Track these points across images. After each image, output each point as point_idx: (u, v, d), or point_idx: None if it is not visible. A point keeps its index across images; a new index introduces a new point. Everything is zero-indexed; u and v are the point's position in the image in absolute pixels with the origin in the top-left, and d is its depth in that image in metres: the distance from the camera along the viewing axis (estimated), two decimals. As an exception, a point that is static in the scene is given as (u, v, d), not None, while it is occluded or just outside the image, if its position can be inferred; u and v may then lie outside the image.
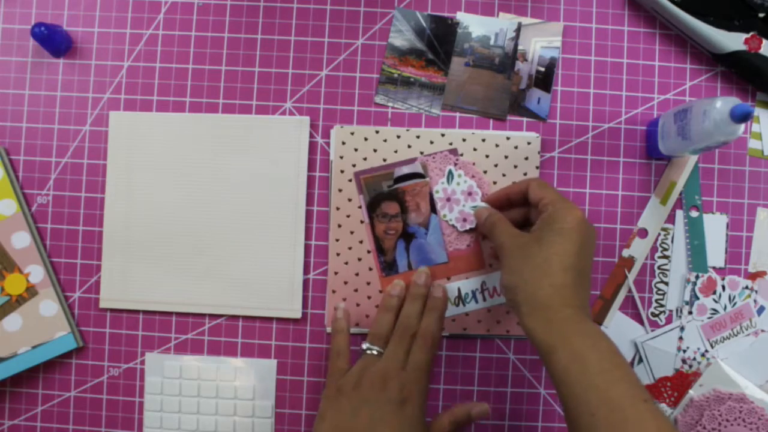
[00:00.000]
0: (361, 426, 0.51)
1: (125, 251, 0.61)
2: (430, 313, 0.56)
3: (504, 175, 0.60)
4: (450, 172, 0.60)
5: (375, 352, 0.55)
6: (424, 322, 0.55)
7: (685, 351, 0.60)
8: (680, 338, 0.60)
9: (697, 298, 0.60)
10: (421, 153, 0.60)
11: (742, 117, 0.46)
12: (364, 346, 0.56)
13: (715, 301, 0.60)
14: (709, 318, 0.60)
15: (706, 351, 0.60)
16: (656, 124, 0.59)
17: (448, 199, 0.60)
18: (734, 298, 0.60)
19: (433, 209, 0.60)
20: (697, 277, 0.60)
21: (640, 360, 0.60)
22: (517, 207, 0.57)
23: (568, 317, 0.46)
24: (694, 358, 0.60)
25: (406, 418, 0.52)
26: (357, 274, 0.60)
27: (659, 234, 0.61)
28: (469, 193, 0.60)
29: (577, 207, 0.50)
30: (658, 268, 0.61)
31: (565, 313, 0.46)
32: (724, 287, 0.60)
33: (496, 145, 0.60)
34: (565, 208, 0.50)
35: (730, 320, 0.60)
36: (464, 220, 0.60)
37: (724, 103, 0.48)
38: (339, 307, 0.59)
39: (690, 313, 0.60)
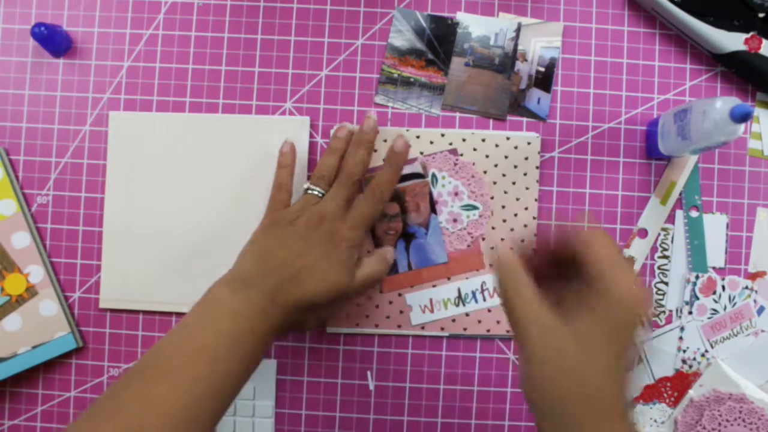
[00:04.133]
0: (288, 254, 0.51)
1: (125, 251, 0.60)
2: (387, 166, 0.56)
3: (504, 175, 0.60)
4: (434, 176, 0.60)
5: (317, 193, 0.55)
6: (379, 175, 0.55)
7: (685, 351, 0.60)
8: (680, 338, 0.60)
9: (697, 298, 0.60)
10: (421, 153, 0.60)
11: (742, 117, 0.46)
12: (305, 185, 0.56)
13: (715, 301, 0.60)
14: (709, 318, 0.60)
15: (706, 351, 0.60)
16: (656, 124, 0.59)
17: (436, 202, 0.60)
18: (734, 298, 0.60)
19: (433, 209, 0.60)
20: (697, 277, 0.60)
21: (640, 360, 0.60)
22: (549, 253, 0.43)
23: None
24: (694, 358, 0.60)
25: (334, 257, 0.52)
26: (357, 274, 0.60)
27: (659, 234, 0.61)
28: (455, 194, 0.60)
29: (632, 280, 0.37)
30: (658, 268, 0.61)
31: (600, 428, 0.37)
32: (724, 287, 0.60)
33: (496, 145, 0.60)
34: (619, 290, 0.36)
35: (730, 320, 0.60)
36: (454, 220, 0.60)
37: (724, 103, 0.48)
38: (287, 142, 0.58)
39: (690, 313, 0.60)
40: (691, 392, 0.59)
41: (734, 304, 0.60)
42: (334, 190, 0.55)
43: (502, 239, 0.60)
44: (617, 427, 0.36)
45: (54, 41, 0.59)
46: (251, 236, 0.55)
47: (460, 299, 0.60)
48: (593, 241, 0.38)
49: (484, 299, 0.60)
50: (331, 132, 0.59)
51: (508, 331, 0.60)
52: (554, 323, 0.38)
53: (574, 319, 0.37)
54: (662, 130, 0.57)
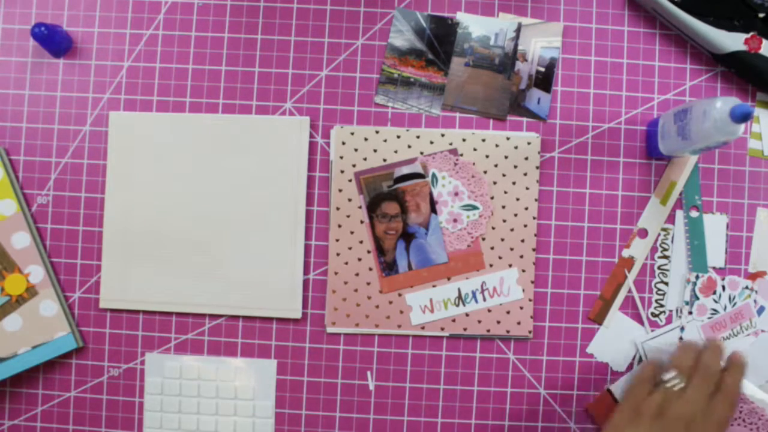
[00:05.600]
0: None
1: (125, 251, 0.61)
2: (736, 370, 0.54)
3: (504, 175, 0.60)
4: (434, 175, 0.60)
5: (678, 385, 0.53)
6: (732, 380, 0.53)
7: (685, 351, 0.60)
8: (680, 338, 0.60)
9: (697, 299, 0.60)
10: (421, 153, 0.60)
11: (742, 117, 0.46)
12: (667, 376, 0.54)
13: (715, 302, 0.60)
14: (709, 318, 0.60)
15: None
16: (656, 124, 0.59)
17: (436, 202, 0.60)
18: (734, 298, 0.60)
19: (433, 209, 0.60)
20: (697, 277, 0.60)
21: (641, 360, 0.60)
22: None
23: None
24: (695, 358, 0.60)
25: None
26: (357, 275, 0.60)
27: (659, 234, 0.61)
28: (456, 194, 0.60)
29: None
30: (658, 268, 0.61)
31: None
32: (724, 287, 0.60)
33: (496, 146, 0.60)
34: None
35: (730, 320, 0.60)
36: (455, 220, 0.60)
37: (724, 103, 0.48)
38: (660, 350, 0.59)
39: (690, 312, 0.60)
40: None
41: (734, 304, 0.60)
42: (697, 389, 0.53)
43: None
44: None
45: (54, 41, 0.59)
46: (614, 421, 0.53)
47: (461, 299, 0.60)
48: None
49: (485, 299, 0.60)
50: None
51: (508, 331, 0.60)
52: None
53: None
54: (662, 131, 0.57)
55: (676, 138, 0.54)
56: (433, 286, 0.60)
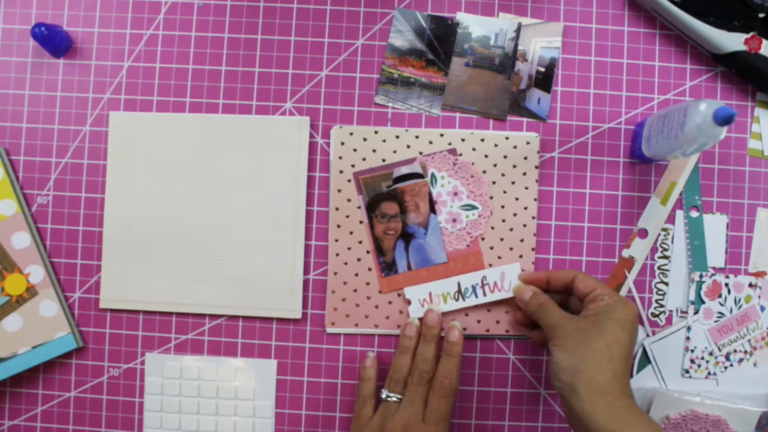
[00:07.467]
0: None
1: (125, 251, 0.61)
2: (447, 359, 0.56)
3: (503, 174, 0.60)
4: (433, 175, 0.60)
5: (395, 399, 0.55)
6: (441, 369, 0.55)
7: (693, 351, 0.60)
8: (687, 338, 0.60)
9: (703, 302, 0.60)
10: (420, 153, 0.60)
11: (725, 120, 0.46)
12: (383, 394, 0.56)
13: (721, 305, 0.60)
14: (715, 321, 0.60)
15: (713, 351, 0.60)
16: (643, 125, 0.59)
17: (435, 202, 0.60)
18: (740, 300, 0.60)
19: (432, 209, 0.60)
20: (701, 276, 0.60)
21: (648, 361, 0.60)
22: (554, 292, 0.57)
23: (629, 406, 0.47)
24: (702, 357, 0.60)
25: None
26: (356, 275, 0.60)
27: (659, 234, 0.61)
28: (455, 193, 0.60)
29: (631, 302, 0.52)
30: (658, 268, 0.61)
31: (626, 401, 0.48)
32: (729, 290, 0.60)
33: (495, 145, 0.60)
34: (623, 301, 0.52)
35: (737, 323, 0.60)
36: (454, 220, 0.60)
37: (708, 106, 0.47)
38: (370, 356, 0.59)
39: (696, 312, 0.60)
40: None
41: (740, 306, 0.60)
42: (411, 395, 0.55)
43: (522, 270, 0.60)
44: (637, 407, 0.48)
45: (54, 41, 0.59)
46: None
47: (460, 293, 0.60)
48: (582, 276, 0.55)
49: (485, 294, 0.60)
50: (401, 331, 0.58)
51: (507, 331, 0.60)
52: (576, 317, 0.53)
53: (592, 318, 0.51)
54: (647, 132, 0.57)
55: (660, 140, 0.54)
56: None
